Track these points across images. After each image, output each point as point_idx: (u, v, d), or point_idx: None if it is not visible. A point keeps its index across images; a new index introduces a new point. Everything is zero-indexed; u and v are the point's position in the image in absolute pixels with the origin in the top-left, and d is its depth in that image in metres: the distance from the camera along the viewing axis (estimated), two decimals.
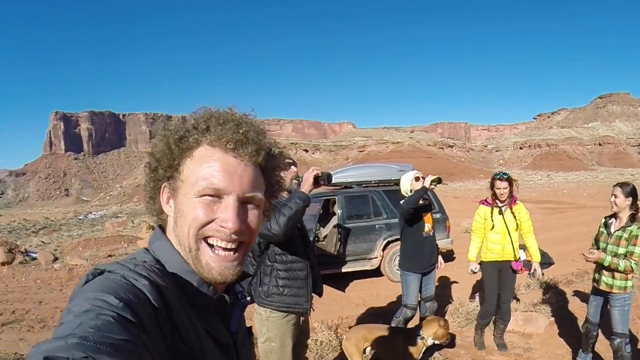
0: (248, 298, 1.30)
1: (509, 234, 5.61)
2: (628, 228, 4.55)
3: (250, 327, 1.38)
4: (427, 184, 5.38)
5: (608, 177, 71.59)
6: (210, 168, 1.07)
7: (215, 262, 1.08)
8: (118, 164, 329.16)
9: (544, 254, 10.59)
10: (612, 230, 4.74)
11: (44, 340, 0.76)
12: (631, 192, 4.59)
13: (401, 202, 5.58)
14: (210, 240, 1.08)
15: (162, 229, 1.20)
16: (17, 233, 34.92)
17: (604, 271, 4.73)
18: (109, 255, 14.97)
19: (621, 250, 4.57)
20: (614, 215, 4.78)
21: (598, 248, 4.92)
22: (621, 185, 4.70)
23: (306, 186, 3.61)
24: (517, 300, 7.45)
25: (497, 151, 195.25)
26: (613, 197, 4.67)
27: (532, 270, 5.96)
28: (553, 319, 6.71)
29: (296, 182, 3.85)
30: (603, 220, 4.96)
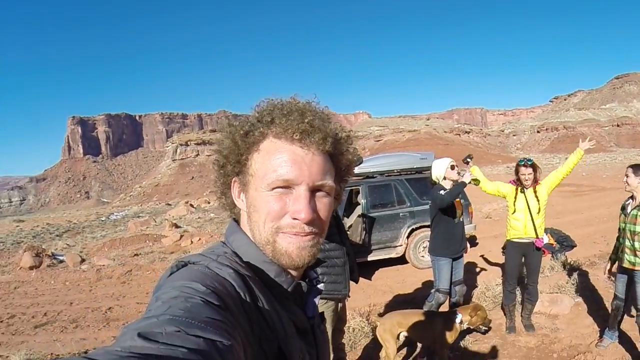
0: (322, 285, 1.30)
1: (530, 212, 5.70)
2: None
3: (323, 313, 1.41)
4: (466, 179, 5.52)
5: (627, 158, 70.41)
6: (278, 160, 1.08)
7: (292, 245, 1.09)
8: (136, 165, 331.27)
9: (566, 237, 10.69)
10: (629, 210, 4.86)
11: (135, 320, 0.81)
12: None
13: (441, 192, 5.57)
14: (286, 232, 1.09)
15: (237, 221, 1.22)
16: (42, 237, 35.18)
17: (627, 249, 4.85)
18: (135, 254, 15.13)
19: (638, 229, 4.69)
20: (632, 197, 4.91)
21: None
22: (632, 166, 4.83)
23: None
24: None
25: (514, 135, 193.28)
26: (625, 177, 4.82)
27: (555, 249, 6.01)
28: (578, 299, 6.79)
29: None
30: (622, 203, 5.09)
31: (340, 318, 4.17)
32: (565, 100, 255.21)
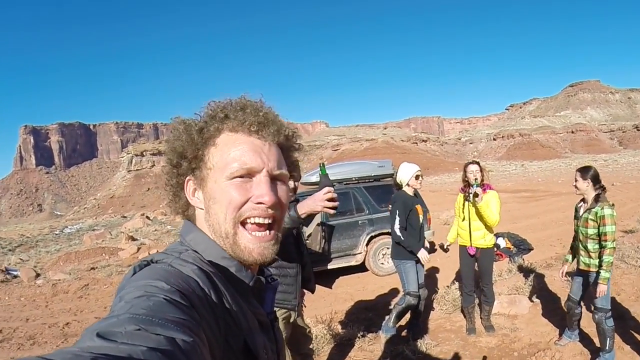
0: (278, 280, 1.34)
1: (470, 220, 5.89)
2: (593, 210, 4.77)
3: (275, 312, 1.44)
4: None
5: (581, 163, 71.30)
6: (238, 151, 1.12)
7: (254, 244, 1.12)
8: (91, 176, 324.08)
9: (522, 241, 10.90)
10: (581, 213, 4.98)
11: (97, 320, 0.79)
12: (590, 175, 4.84)
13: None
14: (247, 220, 1.12)
15: (191, 221, 1.23)
16: None
17: (581, 252, 4.97)
18: (92, 268, 14.76)
19: (590, 232, 4.79)
20: (583, 200, 5.03)
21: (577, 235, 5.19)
22: (579, 169, 4.96)
23: (306, 209, 2.97)
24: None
25: (470, 143, 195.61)
26: (574, 181, 4.94)
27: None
28: (536, 300, 6.94)
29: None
30: (575, 205, 5.21)
31: (298, 326, 4.14)
32: (520, 108, 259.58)
